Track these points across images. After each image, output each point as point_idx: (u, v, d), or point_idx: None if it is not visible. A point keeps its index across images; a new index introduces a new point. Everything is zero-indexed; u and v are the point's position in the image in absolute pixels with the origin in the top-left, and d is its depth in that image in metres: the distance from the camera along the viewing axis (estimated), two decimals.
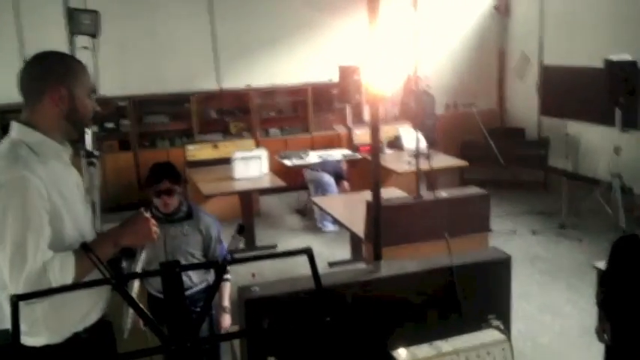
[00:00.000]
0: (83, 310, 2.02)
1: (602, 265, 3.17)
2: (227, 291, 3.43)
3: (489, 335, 2.42)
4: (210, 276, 3.42)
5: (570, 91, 8.87)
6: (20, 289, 1.76)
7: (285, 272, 5.70)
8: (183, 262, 3.14)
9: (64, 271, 1.82)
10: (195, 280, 3.34)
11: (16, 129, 1.99)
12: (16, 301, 1.31)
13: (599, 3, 8.38)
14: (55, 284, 1.80)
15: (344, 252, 6.24)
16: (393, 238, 4.11)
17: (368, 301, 2.66)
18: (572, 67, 8.83)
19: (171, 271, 1.45)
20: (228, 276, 3.41)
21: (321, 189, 7.36)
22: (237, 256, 1.83)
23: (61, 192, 1.93)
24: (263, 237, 6.86)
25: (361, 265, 5.68)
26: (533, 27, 9.72)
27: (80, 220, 2.03)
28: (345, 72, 8.14)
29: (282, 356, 2.42)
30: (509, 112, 10.71)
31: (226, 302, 3.39)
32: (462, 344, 2.34)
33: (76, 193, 2.05)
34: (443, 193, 4.55)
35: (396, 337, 2.47)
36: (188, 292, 3.21)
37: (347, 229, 5.37)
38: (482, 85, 10.61)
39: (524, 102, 10.18)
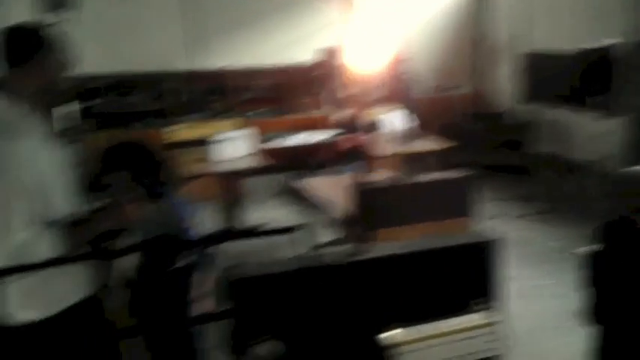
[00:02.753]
0: (73, 285, 2.00)
1: (586, 249, 3.16)
2: (208, 275, 3.27)
3: (479, 318, 2.39)
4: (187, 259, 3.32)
5: (550, 76, 8.89)
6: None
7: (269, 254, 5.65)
8: None
9: (45, 249, 1.78)
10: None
11: None
12: None
13: None
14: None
15: (329, 235, 6.19)
16: (377, 221, 4.08)
17: (351, 284, 2.60)
18: (553, 52, 8.84)
19: (157, 246, 1.38)
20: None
21: None
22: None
23: (39, 168, 1.89)
24: (247, 219, 6.79)
25: (344, 248, 5.64)
26: (515, 10, 9.70)
27: (59, 197, 1.98)
28: (327, 53, 8.05)
29: (272, 337, 2.37)
30: (489, 96, 10.72)
31: (207, 288, 3.19)
32: (451, 326, 2.30)
33: (55, 170, 2.01)
34: (426, 176, 4.52)
35: (381, 320, 2.43)
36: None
37: (330, 211, 5.32)
38: (464, 67, 10.59)
39: (505, 86, 10.19)
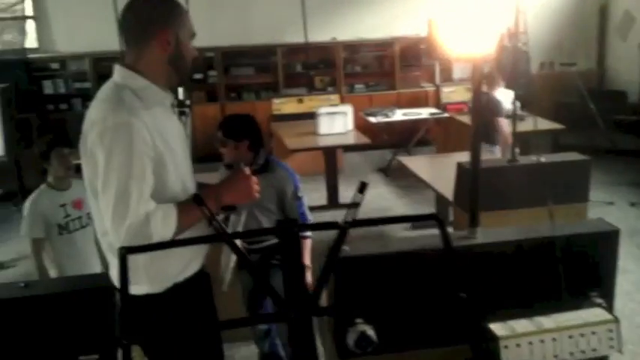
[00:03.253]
0: (184, 261, 1.99)
1: None
2: (308, 249, 3.35)
3: (594, 314, 2.26)
4: None
5: None
6: (121, 239, 1.73)
7: (368, 232, 5.66)
8: (259, 216, 3.14)
9: (166, 224, 1.78)
10: None
11: (119, 73, 1.92)
12: (124, 253, 1.28)
13: None
14: (156, 236, 1.76)
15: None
16: (486, 203, 3.92)
17: (461, 269, 2.52)
18: None
19: (288, 230, 1.37)
20: (308, 233, 3.31)
21: None
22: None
23: (164, 140, 1.87)
24: (346, 194, 6.81)
25: (447, 229, 5.54)
26: None
27: (182, 169, 1.97)
28: (434, 26, 7.82)
29: (370, 319, 2.36)
30: (609, 74, 10.06)
31: (307, 260, 3.33)
32: (564, 321, 2.19)
33: (178, 142, 1.99)
34: (541, 158, 4.30)
35: (491, 309, 2.35)
36: (265, 244, 3.22)
37: (434, 190, 5.22)
38: (581, 43, 9.97)
39: (626, 63, 9.52)
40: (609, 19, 9.92)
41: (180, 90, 4.07)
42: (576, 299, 2.42)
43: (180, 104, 4.05)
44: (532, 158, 4.28)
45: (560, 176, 4.22)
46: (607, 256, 2.68)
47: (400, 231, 5.79)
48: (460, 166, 4.14)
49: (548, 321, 2.18)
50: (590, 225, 2.79)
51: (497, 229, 2.77)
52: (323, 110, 6.84)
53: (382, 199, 6.85)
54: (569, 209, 4.19)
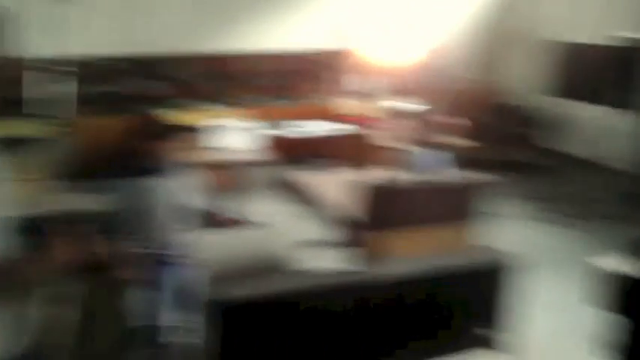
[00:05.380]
0: None
1: (611, 263, 2.74)
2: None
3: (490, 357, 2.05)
4: None
5: (575, 69, 8.23)
6: None
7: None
8: None
9: None
10: None
11: None
12: None
13: None
14: None
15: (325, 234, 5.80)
16: (384, 222, 3.76)
17: (343, 307, 2.23)
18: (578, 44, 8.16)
19: None
20: None
21: None
22: None
23: None
24: (241, 211, 6.42)
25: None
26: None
27: None
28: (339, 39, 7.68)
29: None
30: (507, 88, 10.06)
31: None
32: None
33: None
34: (439, 178, 4.17)
35: (383, 355, 2.08)
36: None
37: (326, 207, 4.97)
38: (483, 59, 9.89)
39: (522, 77, 9.61)
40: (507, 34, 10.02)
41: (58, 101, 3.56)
42: (468, 340, 2.19)
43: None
44: (432, 178, 4.14)
45: (458, 195, 4.10)
46: (501, 290, 2.47)
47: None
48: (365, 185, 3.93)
49: None
50: (483, 254, 2.59)
51: (387, 263, 2.52)
52: (216, 123, 6.50)
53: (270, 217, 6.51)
54: (465, 228, 4.07)
